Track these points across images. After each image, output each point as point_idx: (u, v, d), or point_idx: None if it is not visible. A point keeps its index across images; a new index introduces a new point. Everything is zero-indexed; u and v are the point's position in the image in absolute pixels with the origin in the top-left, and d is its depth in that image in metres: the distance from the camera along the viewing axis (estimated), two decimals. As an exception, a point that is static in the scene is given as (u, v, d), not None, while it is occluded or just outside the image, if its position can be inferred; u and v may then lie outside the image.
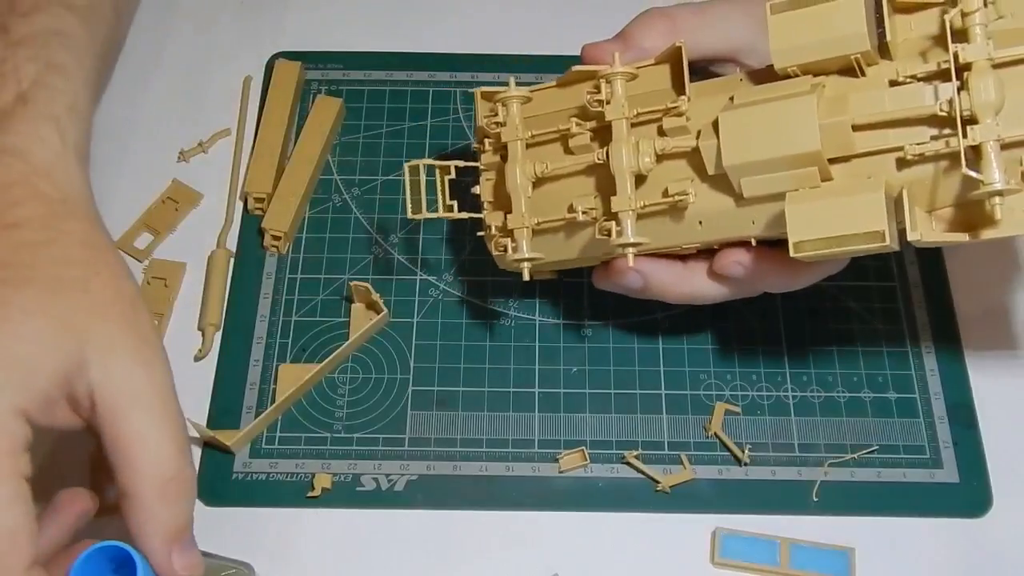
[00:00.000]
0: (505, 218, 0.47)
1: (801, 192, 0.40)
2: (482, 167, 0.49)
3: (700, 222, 0.44)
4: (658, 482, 0.51)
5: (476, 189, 0.49)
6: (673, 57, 0.45)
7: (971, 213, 0.40)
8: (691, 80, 0.43)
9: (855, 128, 0.40)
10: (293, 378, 0.53)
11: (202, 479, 0.51)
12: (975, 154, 0.37)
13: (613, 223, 0.43)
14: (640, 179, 0.44)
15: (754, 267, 0.44)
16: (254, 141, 0.61)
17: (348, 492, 0.51)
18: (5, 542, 0.35)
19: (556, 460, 0.52)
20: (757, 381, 0.54)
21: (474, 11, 0.67)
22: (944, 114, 0.38)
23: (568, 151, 0.46)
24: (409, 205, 0.47)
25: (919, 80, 0.39)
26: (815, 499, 0.51)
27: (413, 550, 0.50)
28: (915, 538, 0.50)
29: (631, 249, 0.43)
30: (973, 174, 0.37)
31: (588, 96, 0.44)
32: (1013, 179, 0.37)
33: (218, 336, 0.55)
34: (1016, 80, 0.37)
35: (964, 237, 0.40)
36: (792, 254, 0.39)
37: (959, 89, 0.37)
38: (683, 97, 0.43)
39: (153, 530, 0.38)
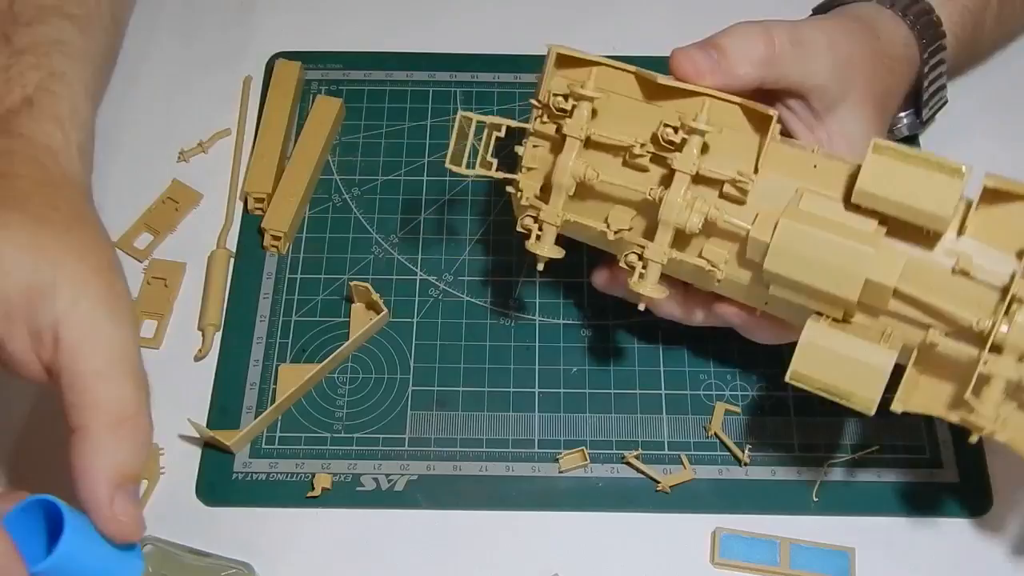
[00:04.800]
0: (540, 192, 0.46)
1: (819, 326, 0.42)
2: (532, 130, 0.47)
3: (719, 281, 0.46)
4: (658, 482, 0.51)
5: (519, 149, 0.47)
6: (759, 116, 0.43)
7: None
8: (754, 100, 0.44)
9: (894, 293, 0.41)
10: (293, 378, 0.53)
11: (202, 479, 0.51)
12: (983, 379, 0.39)
13: (638, 262, 0.45)
14: (681, 232, 0.44)
15: (750, 324, 0.48)
16: (254, 141, 0.61)
17: (348, 492, 0.51)
18: None
19: (556, 460, 0.52)
20: (757, 381, 0.54)
21: (474, 11, 0.67)
22: (976, 328, 0.39)
23: (624, 164, 0.46)
24: (450, 154, 0.46)
25: (978, 281, 0.40)
26: (815, 499, 0.51)
27: (413, 550, 0.50)
28: (915, 538, 0.50)
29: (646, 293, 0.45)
30: (972, 404, 0.39)
31: (662, 128, 0.44)
32: (1013, 405, 0.40)
33: (218, 336, 0.55)
34: None
35: (948, 415, 0.42)
36: (787, 378, 0.42)
37: (1006, 312, 0.38)
38: (751, 176, 0.43)
39: (100, 467, 0.36)
